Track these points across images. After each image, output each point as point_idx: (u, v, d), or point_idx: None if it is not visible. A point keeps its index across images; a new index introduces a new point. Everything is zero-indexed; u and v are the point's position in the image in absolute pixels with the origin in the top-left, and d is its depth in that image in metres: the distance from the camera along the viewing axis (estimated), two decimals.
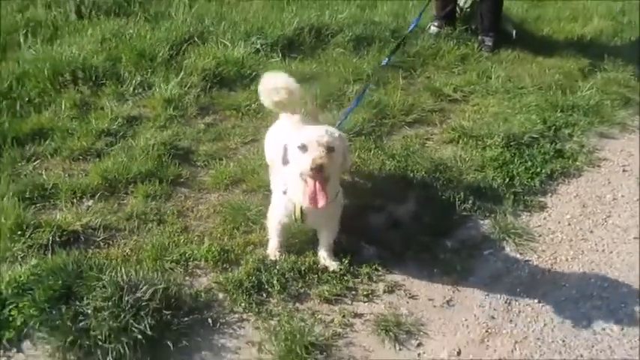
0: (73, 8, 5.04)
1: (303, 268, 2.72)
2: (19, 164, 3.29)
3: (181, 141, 3.55)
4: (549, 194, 3.42)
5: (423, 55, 4.83)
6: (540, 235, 3.11)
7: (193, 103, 3.90)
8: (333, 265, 2.75)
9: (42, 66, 4.02)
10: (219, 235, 2.91)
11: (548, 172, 3.54)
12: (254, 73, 4.23)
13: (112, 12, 5.11)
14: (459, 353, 2.45)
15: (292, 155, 2.40)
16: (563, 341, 2.52)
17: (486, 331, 2.54)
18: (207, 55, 4.35)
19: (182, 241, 2.85)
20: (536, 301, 2.70)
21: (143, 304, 2.42)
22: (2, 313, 2.44)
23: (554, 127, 3.98)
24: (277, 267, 2.70)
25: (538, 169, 3.52)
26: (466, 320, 2.59)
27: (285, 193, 2.55)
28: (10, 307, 2.45)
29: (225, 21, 4.90)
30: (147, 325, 2.35)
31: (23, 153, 3.37)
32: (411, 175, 3.36)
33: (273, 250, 2.79)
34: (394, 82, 4.33)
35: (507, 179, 3.41)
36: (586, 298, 2.75)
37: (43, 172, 3.23)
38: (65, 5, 5.08)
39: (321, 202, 2.31)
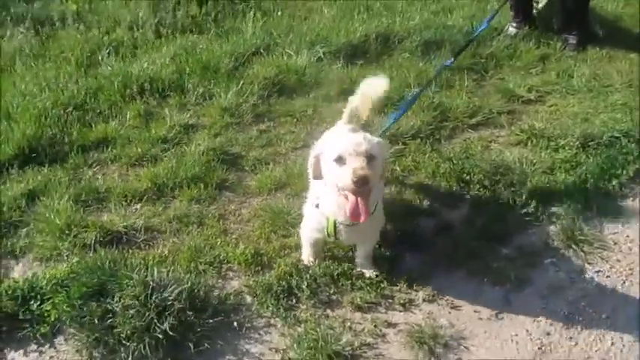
0: (153, 28, 5.30)
1: (336, 274, 2.55)
2: (81, 170, 3.42)
3: (233, 147, 3.53)
4: (630, 198, 2.99)
5: (498, 57, 4.48)
6: (615, 244, 2.71)
7: (250, 111, 3.87)
8: (369, 271, 2.55)
9: (114, 80, 4.22)
10: (255, 238, 2.83)
11: (631, 175, 3.10)
12: (314, 81, 4.17)
13: (187, 30, 5.32)
14: None
15: (327, 169, 2.16)
16: None
17: (539, 349, 2.22)
18: (270, 64, 4.35)
19: (219, 243, 2.80)
20: (603, 317, 2.33)
21: (168, 303, 2.38)
22: (39, 308, 2.49)
23: None
24: (310, 272, 2.56)
25: (617, 171, 3.09)
26: (516, 335, 2.28)
27: (317, 207, 2.35)
28: (47, 302, 2.50)
29: (292, 33, 4.89)
30: (169, 325, 2.30)
31: (87, 159, 3.50)
32: (467, 177, 3.07)
33: (306, 257, 2.65)
34: (459, 84, 4.05)
35: (579, 182, 3.02)
36: None
37: (100, 177, 3.34)
38: (146, 26, 5.37)
39: (364, 217, 2.07)
